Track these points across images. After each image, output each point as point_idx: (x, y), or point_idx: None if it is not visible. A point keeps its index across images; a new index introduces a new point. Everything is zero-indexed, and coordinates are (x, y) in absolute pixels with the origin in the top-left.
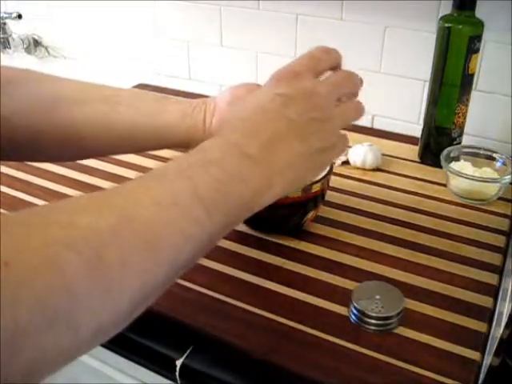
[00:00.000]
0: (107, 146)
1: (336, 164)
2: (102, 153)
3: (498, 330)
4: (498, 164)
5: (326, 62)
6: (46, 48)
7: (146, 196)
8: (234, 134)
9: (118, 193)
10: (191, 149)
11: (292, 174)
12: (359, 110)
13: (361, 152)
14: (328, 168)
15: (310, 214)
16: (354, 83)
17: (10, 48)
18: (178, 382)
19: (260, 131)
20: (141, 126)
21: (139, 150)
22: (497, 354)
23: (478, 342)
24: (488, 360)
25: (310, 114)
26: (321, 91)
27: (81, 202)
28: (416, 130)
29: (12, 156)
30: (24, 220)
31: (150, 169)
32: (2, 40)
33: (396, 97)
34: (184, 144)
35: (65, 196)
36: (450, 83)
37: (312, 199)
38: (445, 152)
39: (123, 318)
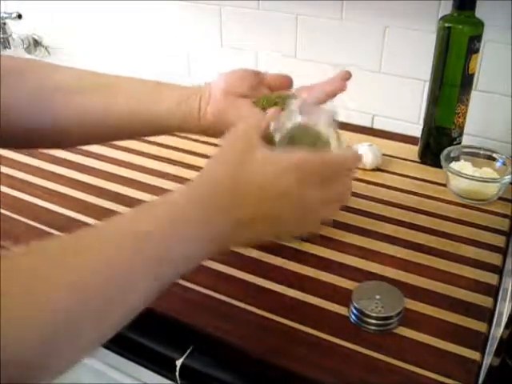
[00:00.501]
0: (105, 134)
1: None
2: (99, 140)
3: (497, 330)
4: (498, 164)
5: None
6: (46, 48)
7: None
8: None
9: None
10: (185, 132)
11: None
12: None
13: (361, 152)
14: None
15: None
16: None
17: (10, 48)
18: (178, 382)
19: (244, 208)
20: (137, 114)
21: (135, 136)
22: (497, 354)
23: (478, 342)
24: (488, 360)
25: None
26: (317, 204)
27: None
28: (416, 130)
29: (11, 144)
30: None
31: (151, 169)
32: (2, 40)
33: (396, 97)
34: (179, 130)
35: (65, 196)
36: (450, 83)
37: None
38: (445, 152)
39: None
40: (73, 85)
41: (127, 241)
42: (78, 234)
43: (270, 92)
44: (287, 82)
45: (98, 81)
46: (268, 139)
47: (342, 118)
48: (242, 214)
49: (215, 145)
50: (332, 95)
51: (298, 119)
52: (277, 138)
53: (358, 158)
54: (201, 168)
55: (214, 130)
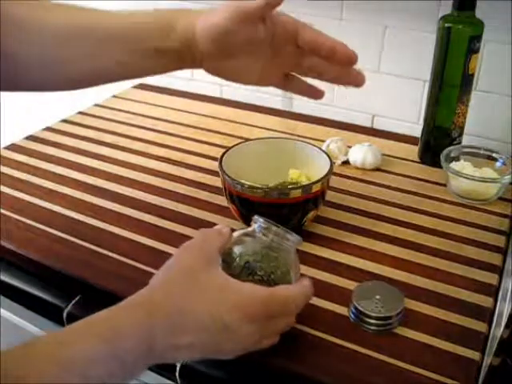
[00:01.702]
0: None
1: (336, 164)
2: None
3: (498, 330)
4: (498, 164)
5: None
6: None
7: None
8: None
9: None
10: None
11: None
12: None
13: (361, 152)
14: (329, 169)
15: (310, 214)
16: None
17: None
18: (178, 381)
19: (182, 336)
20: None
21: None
22: (497, 354)
23: (478, 342)
24: (488, 360)
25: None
26: (256, 337)
27: None
28: (416, 129)
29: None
30: None
31: (151, 169)
32: None
33: (396, 97)
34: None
35: (65, 196)
36: (450, 83)
37: (312, 199)
38: (445, 152)
39: None
40: (65, 34)
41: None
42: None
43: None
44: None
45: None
46: (227, 255)
47: (341, 118)
48: (181, 341)
49: (216, 145)
50: (339, 62)
51: (262, 241)
52: (235, 257)
53: (310, 295)
54: (201, 168)
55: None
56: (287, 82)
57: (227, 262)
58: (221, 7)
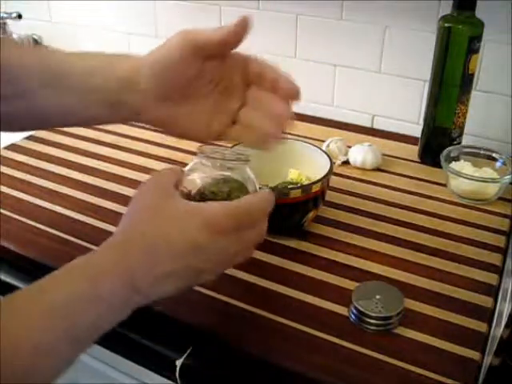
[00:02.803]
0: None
1: (336, 164)
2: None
3: (498, 330)
4: (498, 164)
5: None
6: (46, 48)
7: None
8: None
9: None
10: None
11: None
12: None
13: (361, 152)
14: (329, 169)
15: (310, 214)
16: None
17: None
18: (178, 382)
19: (160, 265)
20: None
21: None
22: (497, 354)
23: (478, 342)
24: (488, 360)
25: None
26: (232, 250)
27: None
28: (416, 130)
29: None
30: None
31: (151, 169)
32: None
33: (396, 97)
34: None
35: (65, 196)
36: (450, 83)
37: (312, 199)
38: (445, 152)
39: None
40: (40, 81)
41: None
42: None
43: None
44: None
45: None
46: (182, 189)
47: (341, 118)
48: (161, 271)
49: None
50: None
51: (213, 167)
52: (191, 189)
53: (272, 200)
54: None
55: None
56: (234, 130)
57: (184, 195)
58: (173, 37)
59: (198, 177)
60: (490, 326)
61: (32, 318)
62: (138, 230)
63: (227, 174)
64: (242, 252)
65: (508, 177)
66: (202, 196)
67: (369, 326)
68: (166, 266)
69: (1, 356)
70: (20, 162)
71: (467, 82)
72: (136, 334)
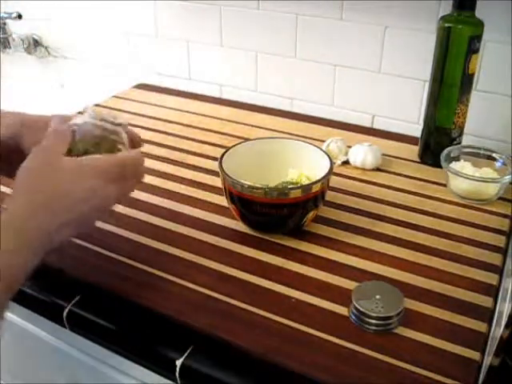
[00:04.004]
0: None
1: (336, 164)
2: None
3: (498, 330)
4: (498, 164)
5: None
6: (46, 48)
7: None
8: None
9: None
10: None
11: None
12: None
13: (361, 152)
14: (329, 169)
15: (310, 214)
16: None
17: (10, 48)
18: (178, 382)
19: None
20: None
21: None
22: (497, 354)
23: (478, 342)
24: (488, 360)
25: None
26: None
27: None
28: (416, 130)
29: None
30: None
31: (151, 169)
32: (1, 40)
33: (396, 97)
34: None
35: None
36: (450, 83)
37: (312, 199)
38: (445, 152)
39: None
40: None
41: None
42: None
43: None
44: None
45: None
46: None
47: (341, 118)
48: (64, 219)
49: (216, 145)
50: None
51: (95, 128)
52: (74, 150)
53: (141, 158)
54: (201, 168)
55: None
56: None
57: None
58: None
59: (81, 138)
60: (489, 326)
61: None
62: (39, 189)
63: (108, 135)
64: (124, 197)
65: (508, 177)
66: (85, 152)
67: (369, 326)
68: (64, 216)
69: None
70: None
71: (467, 82)
72: (136, 334)
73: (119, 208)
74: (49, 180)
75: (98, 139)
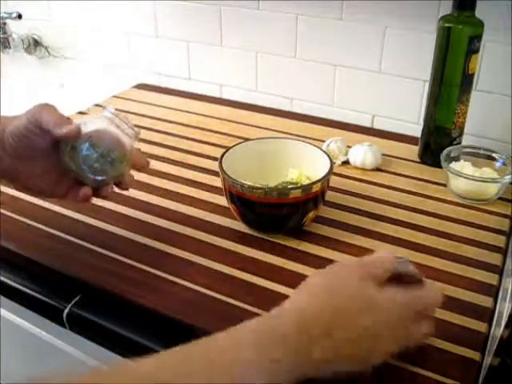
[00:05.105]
0: None
1: (336, 164)
2: None
3: (498, 330)
4: (498, 164)
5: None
6: (46, 48)
7: None
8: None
9: None
10: None
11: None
12: (426, 335)
13: (361, 152)
14: (329, 169)
15: (310, 214)
16: (428, 303)
17: (10, 48)
18: None
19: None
20: None
21: None
22: (497, 354)
23: (478, 342)
24: (488, 360)
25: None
26: (398, 308)
27: None
28: (416, 130)
29: None
30: None
31: (151, 169)
32: (1, 40)
33: (396, 97)
34: None
35: None
36: (450, 83)
37: (312, 199)
38: (445, 152)
39: None
40: None
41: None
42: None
43: None
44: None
45: None
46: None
47: (341, 118)
48: (336, 337)
49: (216, 145)
50: None
51: (108, 122)
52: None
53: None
54: (201, 168)
55: None
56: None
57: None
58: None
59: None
60: (490, 326)
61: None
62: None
63: (118, 132)
64: (416, 335)
65: (508, 177)
66: (87, 141)
67: None
68: (341, 332)
69: None
70: None
71: (467, 81)
72: (136, 333)
73: (119, 208)
74: (362, 316)
75: (105, 131)
